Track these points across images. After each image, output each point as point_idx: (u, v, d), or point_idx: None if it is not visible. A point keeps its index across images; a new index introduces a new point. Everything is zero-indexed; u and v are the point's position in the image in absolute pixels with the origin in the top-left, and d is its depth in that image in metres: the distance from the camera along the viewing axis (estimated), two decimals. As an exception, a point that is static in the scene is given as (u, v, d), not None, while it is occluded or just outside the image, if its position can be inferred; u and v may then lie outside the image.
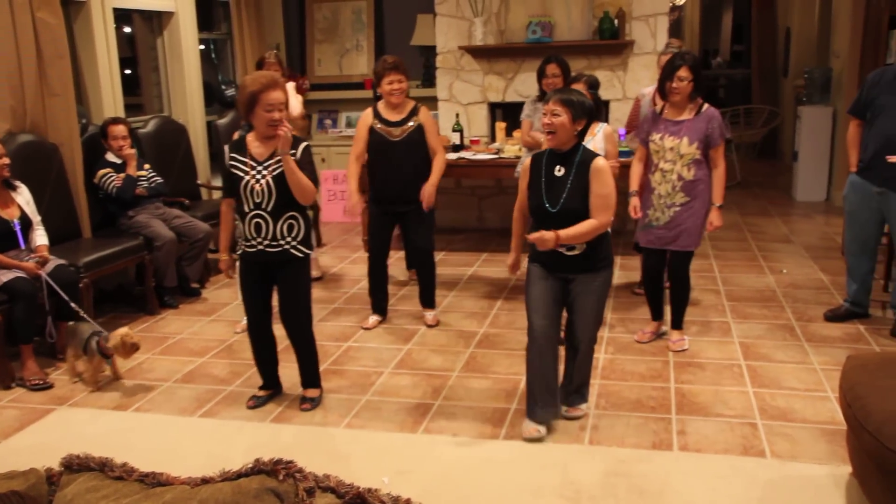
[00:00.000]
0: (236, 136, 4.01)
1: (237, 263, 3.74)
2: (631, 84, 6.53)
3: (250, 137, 3.55)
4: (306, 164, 3.49)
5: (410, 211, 4.63)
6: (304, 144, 3.53)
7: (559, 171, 3.27)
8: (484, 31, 6.67)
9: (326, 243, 6.91)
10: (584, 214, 3.22)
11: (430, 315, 4.88)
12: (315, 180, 3.52)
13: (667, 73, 3.99)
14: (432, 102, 6.85)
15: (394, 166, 4.59)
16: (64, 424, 3.69)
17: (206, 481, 1.82)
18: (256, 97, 3.36)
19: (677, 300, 4.29)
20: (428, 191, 4.56)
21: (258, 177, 3.48)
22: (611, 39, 6.42)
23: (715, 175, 4.05)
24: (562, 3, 6.58)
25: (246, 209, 3.52)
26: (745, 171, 9.60)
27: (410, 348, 4.46)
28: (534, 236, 3.21)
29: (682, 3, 11.07)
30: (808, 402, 3.62)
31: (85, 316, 4.23)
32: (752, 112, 10.55)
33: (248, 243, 3.56)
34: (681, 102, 4.03)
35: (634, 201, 4.21)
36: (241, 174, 3.50)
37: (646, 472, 3.05)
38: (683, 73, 3.92)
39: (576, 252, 3.27)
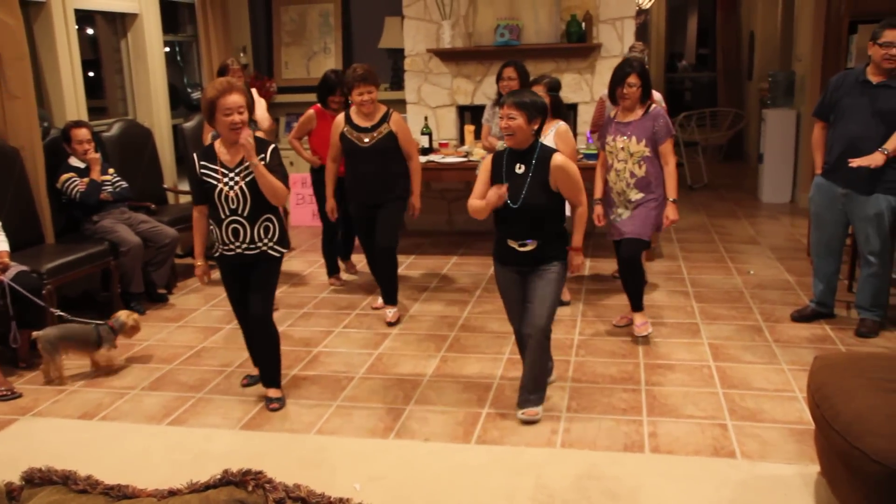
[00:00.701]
0: (209, 138, 3.99)
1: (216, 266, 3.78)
2: (598, 87, 6.56)
3: (218, 144, 3.59)
4: (276, 165, 3.55)
5: (380, 206, 4.79)
6: (271, 147, 3.59)
7: (519, 169, 3.42)
8: (452, 33, 6.66)
9: (295, 247, 6.85)
10: (545, 209, 3.40)
11: (390, 312, 4.92)
12: (286, 181, 3.59)
13: (617, 80, 4.19)
14: (401, 105, 6.82)
15: (364, 171, 4.75)
16: (26, 435, 3.60)
17: (173, 493, 1.79)
18: (214, 103, 3.40)
19: (632, 285, 4.40)
20: (415, 203, 4.88)
21: (231, 184, 3.51)
22: (578, 42, 6.46)
23: (667, 171, 4.22)
24: (529, 6, 6.60)
25: (222, 216, 3.56)
26: (712, 173, 9.71)
27: (381, 352, 4.43)
28: (573, 273, 3.60)
29: (648, 6, 11.16)
30: (776, 402, 3.66)
31: (66, 316, 4.25)
32: (717, 115, 10.67)
33: (226, 247, 3.61)
34: (631, 106, 4.24)
35: (598, 209, 4.41)
36: (214, 182, 3.53)
37: (618, 475, 3.05)
38: (633, 79, 4.14)
39: (528, 248, 3.41)
